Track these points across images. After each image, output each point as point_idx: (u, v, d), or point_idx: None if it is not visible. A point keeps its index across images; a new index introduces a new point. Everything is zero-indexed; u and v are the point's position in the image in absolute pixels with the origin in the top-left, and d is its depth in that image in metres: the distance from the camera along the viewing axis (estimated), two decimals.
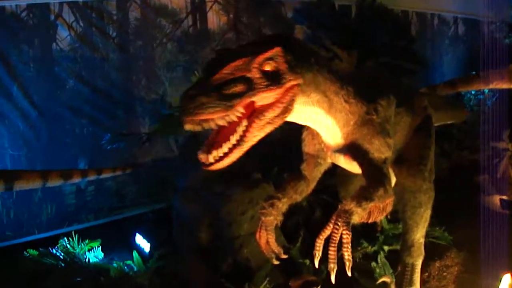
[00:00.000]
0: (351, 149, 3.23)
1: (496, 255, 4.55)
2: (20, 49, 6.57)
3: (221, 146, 2.40)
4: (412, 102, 3.92)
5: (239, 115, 2.40)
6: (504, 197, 6.31)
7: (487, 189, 6.55)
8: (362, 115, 3.16)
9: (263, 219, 3.36)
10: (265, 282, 4.39)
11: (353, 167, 3.38)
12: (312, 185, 3.61)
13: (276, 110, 2.53)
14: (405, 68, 4.21)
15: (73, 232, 5.59)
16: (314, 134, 3.42)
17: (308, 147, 3.54)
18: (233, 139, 2.42)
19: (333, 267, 2.79)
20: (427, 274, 4.69)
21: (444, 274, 4.85)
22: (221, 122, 2.34)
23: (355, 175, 3.81)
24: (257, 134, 2.50)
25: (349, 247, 2.76)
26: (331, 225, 2.80)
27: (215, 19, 7.77)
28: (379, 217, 3.18)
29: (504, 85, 4.34)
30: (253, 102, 2.47)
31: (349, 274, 2.77)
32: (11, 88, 6.41)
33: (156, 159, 7.05)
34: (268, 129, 2.55)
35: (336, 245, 2.75)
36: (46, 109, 6.64)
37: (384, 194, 3.01)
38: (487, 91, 8.40)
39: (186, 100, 2.24)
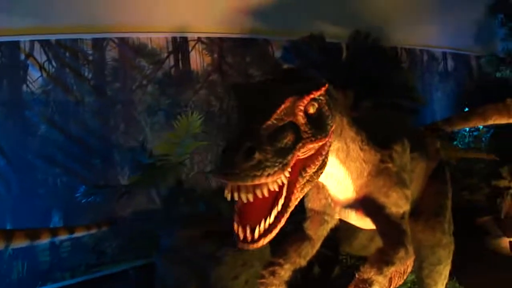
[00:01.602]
0: (365, 204, 2.89)
1: None
2: None
3: (262, 218, 1.92)
4: (425, 145, 3.62)
5: (288, 175, 1.98)
6: None
7: (493, 231, 6.32)
8: (376, 164, 2.84)
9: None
10: None
11: (366, 223, 3.06)
12: (317, 245, 3.25)
13: (317, 164, 2.13)
14: (404, 107, 3.89)
15: None
16: (320, 188, 3.05)
17: (312, 202, 3.16)
18: (279, 204, 1.97)
19: None
20: None
21: None
22: (274, 187, 1.91)
23: (360, 228, 3.44)
24: (299, 195, 2.08)
25: None
26: None
27: (198, 59, 7.36)
28: (400, 282, 2.89)
29: (503, 120, 4.01)
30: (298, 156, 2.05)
31: None
32: None
33: (137, 212, 6.59)
34: (307, 188, 2.15)
35: None
36: (16, 157, 6.19)
37: (405, 255, 2.68)
38: (481, 127, 8.18)
39: (238, 156, 1.77)
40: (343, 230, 3.98)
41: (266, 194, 1.87)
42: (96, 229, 5.64)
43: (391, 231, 2.81)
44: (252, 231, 1.92)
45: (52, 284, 6.18)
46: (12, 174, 6.18)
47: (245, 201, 1.86)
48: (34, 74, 6.29)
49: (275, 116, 1.95)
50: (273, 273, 2.96)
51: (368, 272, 2.54)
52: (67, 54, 6.49)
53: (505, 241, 6.01)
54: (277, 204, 1.97)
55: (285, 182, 1.97)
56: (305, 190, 2.13)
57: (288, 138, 1.95)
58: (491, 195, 6.89)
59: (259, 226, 1.92)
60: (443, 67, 10.75)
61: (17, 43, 6.19)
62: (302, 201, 3.31)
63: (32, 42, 6.25)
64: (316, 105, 2.11)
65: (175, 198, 5.46)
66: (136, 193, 5.90)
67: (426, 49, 10.42)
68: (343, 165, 2.65)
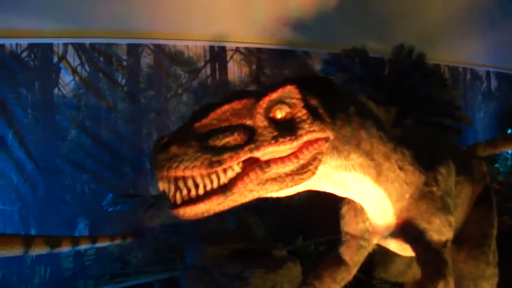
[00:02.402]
0: (405, 229, 2.74)
1: None
2: (18, 93, 6.07)
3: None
4: (471, 168, 3.46)
5: (233, 174, 1.90)
6: None
7: None
8: (420, 187, 2.68)
9: None
10: None
11: (406, 250, 2.90)
12: (354, 271, 3.09)
13: (288, 165, 1.96)
14: (449, 126, 3.75)
15: None
16: (357, 210, 2.91)
17: (349, 226, 3.02)
18: (216, 181, 1.88)
19: None
20: None
21: None
22: (204, 182, 1.85)
23: (397, 254, 3.27)
24: (251, 188, 1.93)
25: None
26: None
27: (236, 69, 7.26)
28: None
29: None
30: (256, 158, 1.94)
31: None
32: (5, 135, 5.93)
33: (165, 224, 6.41)
34: (272, 187, 1.96)
35: None
36: (44, 161, 6.12)
37: None
38: None
39: (156, 150, 1.83)
40: (380, 253, 3.85)
41: (191, 187, 1.83)
42: (121, 240, 5.57)
43: (431, 260, 2.65)
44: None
45: None
46: (39, 178, 6.11)
47: (167, 191, 1.87)
48: (66, 78, 6.24)
49: (212, 115, 1.90)
50: None
51: None
52: (101, 58, 6.43)
53: None
54: (214, 180, 1.87)
55: (225, 181, 1.88)
56: (268, 188, 1.96)
57: (233, 138, 1.87)
58: None
59: (183, 190, 1.85)
60: (486, 86, 10.58)
61: (50, 45, 6.16)
62: (338, 223, 3.15)
63: (65, 45, 6.20)
64: (287, 109, 1.97)
65: None
66: (165, 205, 5.74)
67: (469, 68, 10.20)
68: (377, 184, 2.49)
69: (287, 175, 1.97)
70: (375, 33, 6.83)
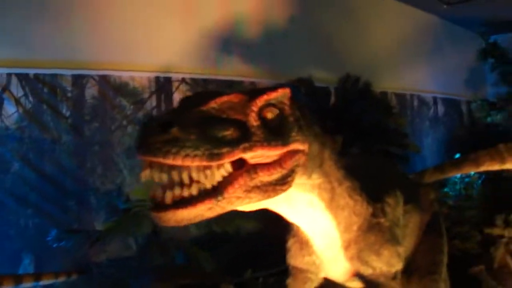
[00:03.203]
0: (353, 262, 2.68)
1: None
2: None
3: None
4: (419, 196, 3.47)
5: (224, 173, 1.79)
6: None
7: (486, 281, 6.11)
8: (368, 218, 2.64)
9: None
10: None
11: (355, 283, 2.88)
12: None
13: (273, 174, 1.91)
14: (396, 154, 3.77)
15: None
16: (303, 243, 2.84)
17: (295, 259, 2.94)
18: (208, 182, 1.75)
19: None
20: None
21: None
22: (198, 176, 1.71)
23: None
24: (240, 195, 1.83)
25: None
26: None
27: None
28: None
29: (496, 166, 3.92)
30: (244, 160, 1.86)
31: None
32: None
33: (111, 259, 6.31)
34: (255, 196, 1.88)
35: None
36: None
37: None
38: (473, 173, 8.17)
39: (153, 128, 1.61)
40: (327, 286, 3.82)
41: (185, 180, 1.69)
42: (66, 277, 5.42)
43: None
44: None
45: None
46: None
47: (157, 181, 1.68)
48: (9, 109, 6.06)
49: (212, 104, 1.79)
50: None
51: None
52: (45, 89, 6.28)
53: None
54: (203, 181, 1.75)
55: (218, 178, 1.77)
56: (252, 196, 1.87)
57: (229, 132, 1.74)
58: (483, 243, 6.74)
59: (174, 191, 1.71)
60: (433, 112, 10.83)
61: None
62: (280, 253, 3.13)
63: (9, 75, 6.04)
64: (277, 111, 1.92)
65: (151, 248, 5.20)
66: (111, 240, 5.64)
67: (416, 94, 10.39)
68: (329, 210, 2.44)
69: (270, 184, 1.91)
70: (321, 63, 6.92)
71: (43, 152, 6.23)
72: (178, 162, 1.60)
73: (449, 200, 7.97)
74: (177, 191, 1.69)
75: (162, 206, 1.71)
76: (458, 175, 8.30)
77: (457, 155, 6.75)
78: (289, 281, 3.02)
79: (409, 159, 4.32)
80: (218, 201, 1.76)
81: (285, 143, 1.92)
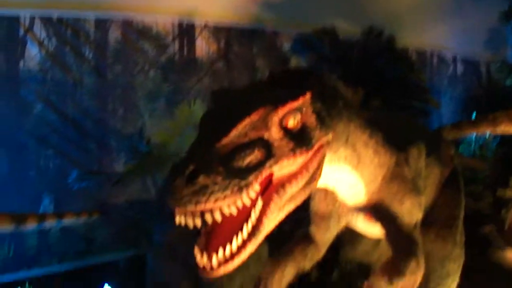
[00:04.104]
0: (376, 210, 2.69)
1: None
2: None
3: (227, 243, 1.69)
4: (440, 151, 3.40)
5: (253, 196, 1.73)
6: None
7: (496, 241, 6.08)
8: (391, 168, 2.62)
9: (265, 279, 2.76)
10: None
11: (374, 231, 2.86)
12: (323, 250, 3.03)
13: (300, 181, 1.88)
14: (416, 108, 3.74)
15: (27, 283, 4.94)
16: (328, 192, 2.79)
17: (318, 206, 2.91)
18: (246, 229, 1.73)
19: None
20: None
21: None
22: (231, 210, 1.66)
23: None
24: (275, 217, 1.85)
25: None
26: None
27: (204, 46, 7.20)
28: None
29: None
30: (271, 174, 1.81)
31: None
32: None
33: (130, 201, 6.36)
34: (289, 208, 1.90)
35: None
36: (7, 136, 6.04)
37: (416, 267, 2.50)
38: (488, 134, 8.07)
39: (179, 180, 1.56)
40: (347, 234, 3.84)
41: (218, 219, 1.66)
42: (87, 216, 5.49)
43: (402, 241, 2.63)
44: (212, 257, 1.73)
45: (39, 269, 5.91)
46: (3, 154, 6.05)
47: (192, 226, 1.66)
48: (32, 51, 6.13)
49: (234, 132, 1.73)
50: (272, 275, 2.77)
51: (377, 282, 2.38)
52: (68, 32, 6.32)
53: (510, 254, 5.78)
54: (244, 228, 1.76)
55: (247, 203, 1.73)
56: (286, 210, 1.91)
57: (254, 156, 1.73)
58: (495, 205, 6.76)
59: (219, 252, 1.71)
60: (452, 71, 10.69)
61: (17, 17, 6.03)
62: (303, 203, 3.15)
63: (32, 17, 6.07)
64: (299, 116, 1.87)
65: None
66: (131, 182, 5.71)
67: (436, 53, 10.28)
68: (355, 170, 2.45)
69: (299, 191, 1.92)
70: (345, 14, 6.83)
71: (65, 94, 6.31)
72: (210, 207, 1.61)
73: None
74: (220, 254, 1.71)
75: (209, 272, 1.72)
76: (473, 135, 8.29)
77: (474, 115, 6.73)
78: (311, 228, 3.00)
79: (429, 113, 4.30)
80: (257, 237, 1.78)
81: (309, 146, 1.90)
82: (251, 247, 1.75)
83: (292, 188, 1.87)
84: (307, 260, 2.92)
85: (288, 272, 2.81)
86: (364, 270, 4.93)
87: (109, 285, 5.10)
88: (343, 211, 2.86)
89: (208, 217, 1.63)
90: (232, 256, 1.71)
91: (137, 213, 6.11)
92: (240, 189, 1.64)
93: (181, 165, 1.61)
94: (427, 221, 3.15)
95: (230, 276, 4.12)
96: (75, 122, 6.32)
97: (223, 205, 1.63)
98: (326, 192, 2.81)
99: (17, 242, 6.08)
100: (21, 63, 6.08)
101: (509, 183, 6.51)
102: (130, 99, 6.70)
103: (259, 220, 1.78)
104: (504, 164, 5.77)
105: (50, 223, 5.14)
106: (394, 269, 2.44)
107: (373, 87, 3.57)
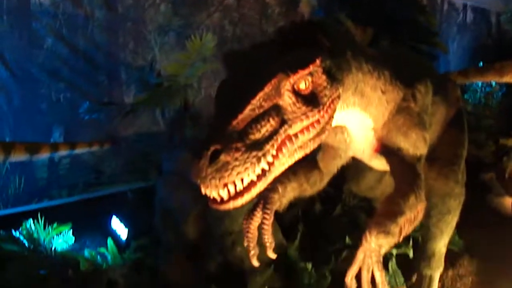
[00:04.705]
0: (382, 142, 2.75)
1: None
2: None
3: (236, 178, 1.81)
4: (447, 90, 3.44)
5: (271, 160, 1.89)
6: None
7: (496, 189, 6.24)
8: (398, 103, 2.68)
9: (266, 193, 2.77)
10: None
11: (380, 163, 2.94)
12: (326, 180, 3.10)
13: (312, 132, 2.00)
14: (424, 51, 3.77)
15: (39, 214, 5.03)
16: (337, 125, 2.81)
17: (327, 136, 2.96)
18: (257, 169, 1.84)
19: None
20: (440, 284, 4.15)
21: (458, 285, 4.45)
22: (251, 177, 1.83)
23: (369, 167, 3.34)
24: (285, 161, 1.98)
25: (385, 286, 2.38)
26: (358, 263, 2.39)
27: None
28: (410, 229, 2.66)
29: None
30: (286, 136, 1.94)
31: None
32: None
33: (140, 133, 6.56)
34: (300, 154, 2.03)
35: (369, 284, 2.36)
36: (20, 69, 6.06)
37: (416, 201, 2.53)
38: (494, 83, 8.13)
39: (203, 161, 1.74)
40: (352, 167, 3.92)
41: (241, 187, 1.81)
42: (98, 146, 5.60)
43: (405, 173, 2.69)
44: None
45: (49, 201, 6.09)
46: (15, 86, 6.08)
47: (218, 199, 1.83)
48: None
49: (249, 107, 1.84)
50: (280, 182, 2.82)
51: (376, 238, 2.38)
52: None
53: (507, 201, 5.94)
54: (256, 168, 1.85)
55: (266, 168, 1.87)
56: (296, 156, 2.01)
57: (269, 125, 1.86)
58: (497, 153, 6.83)
59: (229, 188, 1.82)
60: (462, 19, 10.64)
61: None
62: None
63: None
64: (310, 79, 1.95)
65: (181, 121, 5.33)
66: (141, 114, 5.77)
67: None
68: (364, 111, 2.54)
69: (310, 140, 2.02)
70: None
71: (76, 28, 6.30)
72: (233, 180, 1.76)
73: (468, 107, 8.00)
74: (232, 190, 1.81)
75: (220, 202, 1.84)
76: (480, 83, 8.32)
77: (481, 64, 6.76)
78: (319, 156, 3.07)
79: (437, 57, 4.32)
80: (267, 177, 1.88)
81: (321, 106, 1.99)
82: (260, 186, 1.87)
83: (304, 138, 1.97)
84: (310, 184, 2.99)
85: (289, 190, 2.88)
86: (366, 206, 5.07)
87: (117, 217, 5.25)
88: (352, 141, 2.92)
89: (231, 187, 1.78)
90: (242, 192, 1.83)
91: (146, 145, 6.22)
92: (259, 159, 1.80)
93: (203, 146, 1.75)
94: (431, 158, 3.21)
95: None
96: (86, 55, 6.34)
97: (244, 176, 1.77)
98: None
99: (27, 175, 6.18)
100: None
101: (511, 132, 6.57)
102: (141, 32, 6.68)
103: (271, 163, 1.88)
104: (508, 114, 5.80)
105: (62, 152, 5.24)
106: (392, 211, 2.49)
107: (382, 28, 3.59)
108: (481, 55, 9.60)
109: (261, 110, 1.85)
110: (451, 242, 4.54)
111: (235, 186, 1.81)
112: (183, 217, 4.46)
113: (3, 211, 5.69)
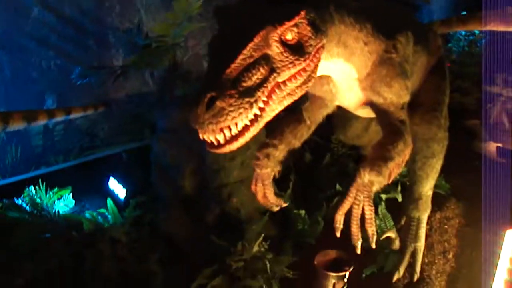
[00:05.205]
0: (366, 91, 2.88)
1: (497, 208, 4.24)
2: None
3: (231, 123, 1.97)
4: (428, 40, 3.54)
5: (262, 106, 2.06)
6: (500, 145, 6.02)
7: (481, 134, 6.29)
8: (380, 54, 2.78)
9: (259, 171, 3.04)
10: (260, 239, 3.93)
11: (365, 111, 3.11)
12: (312, 128, 3.26)
13: (299, 79, 2.16)
14: (407, 2, 3.84)
15: (40, 180, 5.13)
16: (323, 75, 2.96)
17: (313, 87, 2.99)
18: (250, 114, 2.00)
19: (357, 243, 2.56)
20: (428, 227, 4.35)
21: (446, 227, 4.59)
22: (244, 122, 2.01)
23: (355, 117, 3.57)
24: (276, 107, 2.14)
25: (373, 222, 2.54)
26: (350, 199, 2.55)
27: None
28: (398, 171, 2.83)
29: (501, 27, 4.09)
30: (276, 83, 2.11)
31: (374, 246, 2.59)
32: None
33: (130, 95, 6.61)
34: (288, 101, 2.18)
35: (358, 220, 2.54)
36: (8, 40, 6.14)
37: (404, 146, 2.70)
38: (478, 32, 8.16)
39: (200, 108, 1.89)
40: (339, 117, 4.05)
41: (236, 131, 1.98)
42: (93, 110, 5.69)
43: (391, 120, 2.84)
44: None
45: (46, 167, 6.12)
46: (5, 57, 6.15)
47: (216, 143, 1.99)
48: None
49: (240, 57, 1.97)
50: (267, 156, 3.01)
51: (368, 175, 2.56)
52: None
53: (492, 146, 6.01)
54: (249, 113, 2.01)
55: (258, 113, 2.03)
56: (285, 103, 2.16)
57: (259, 73, 2.00)
58: (481, 100, 6.94)
59: (225, 133, 1.98)
60: None
61: None
62: None
63: None
64: (295, 30, 2.09)
65: (172, 79, 5.41)
66: (130, 76, 5.85)
67: None
68: (347, 62, 2.66)
69: (297, 87, 2.16)
70: None
71: None
72: (228, 124, 1.92)
73: (452, 55, 8.08)
74: (228, 134, 1.97)
75: (218, 146, 2.01)
76: (463, 32, 8.36)
77: (464, 13, 6.80)
78: (305, 106, 3.20)
79: (419, 7, 4.34)
80: (259, 122, 2.04)
81: (307, 55, 2.13)
82: (253, 130, 2.04)
83: (292, 85, 2.12)
84: (297, 138, 3.15)
85: (280, 150, 3.06)
86: (354, 154, 5.21)
87: (114, 178, 5.33)
88: (337, 92, 3.05)
89: (227, 132, 1.94)
90: (237, 136, 2.00)
91: (137, 106, 6.29)
92: (251, 105, 1.95)
93: (199, 95, 1.88)
94: (414, 105, 3.33)
95: (232, 155, 4.35)
96: (73, 21, 6.34)
97: (238, 121, 1.93)
98: (321, 75, 3.04)
99: (23, 144, 6.32)
100: None
101: (496, 80, 6.63)
102: None
103: (262, 109, 2.03)
104: (491, 61, 5.86)
105: (59, 118, 5.32)
106: (382, 155, 2.64)
107: None
108: (464, 5, 9.59)
109: (252, 60, 1.98)
110: (438, 186, 4.70)
111: (230, 130, 1.96)
112: (179, 172, 4.58)
113: (3, 180, 5.73)
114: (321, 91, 3.09)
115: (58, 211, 4.85)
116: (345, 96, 3.06)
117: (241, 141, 2.02)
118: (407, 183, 4.17)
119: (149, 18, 6.70)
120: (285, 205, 3.18)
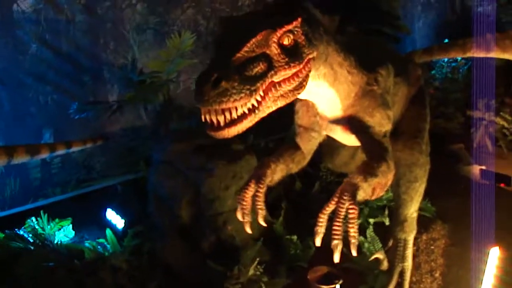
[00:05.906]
0: (351, 122, 3.06)
1: (481, 228, 4.47)
2: None
3: (232, 105, 2.13)
4: (408, 71, 3.74)
5: (260, 98, 2.24)
6: (483, 167, 6.22)
7: (464, 158, 6.53)
8: (363, 86, 3.00)
9: (259, 169, 3.10)
10: (255, 263, 4.11)
11: (350, 139, 3.24)
12: (308, 158, 3.42)
13: (292, 84, 2.38)
14: (388, 34, 4.02)
15: (41, 211, 5.30)
16: (309, 106, 3.22)
17: (302, 119, 3.33)
18: (249, 102, 2.18)
19: (337, 243, 2.52)
20: (415, 248, 4.53)
21: (432, 247, 4.78)
22: (243, 110, 2.18)
23: (343, 146, 3.69)
24: (270, 105, 2.33)
25: (356, 223, 2.54)
26: (336, 200, 2.58)
27: None
28: (381, 193, 2.94)
29: (481, 54, 4.10)
30: (272, 81, 2.31)
31: (354, 253, 2.54)
32: None
33: (125, 128, 6.77)
34: (281, 102, 2.38)
35: (341, 220, 2.53)
36: (7, 76, 6.22)
37: (387, 169, 2.81)
38: (460, 58, 8.33)
39: (207, 85, 2.03)
40: (327, 146, 4.22)
41: (235, 115, 2.14)
42: (92, 143, 5.78)
43: (374, 148, 2.96)
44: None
45: (44, 199, 6.27)
46: (4, 93, 6.23)
47: (216, 123, 2.13)
48: None
49: (245, 49, 2.18)
50: (268, 165, 3.10)
51: (355, 178, 2.62)
52: None
53: (475, 169, 6.23)
54: (248, 104, 2.19)
55: (256, 104, 2.21)
56: (278, 103, 2.35)
57: (259, 67, 2.20)
58: (465, 124, 7.14)
59: (225, 115, 2.14)
60: None
61: None
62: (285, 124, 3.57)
63: None
64: (291, 36, 2.32)
65: (167, 114, 5.59)
66: (125, 110, 5.99)
67: None
68: (332, 87, 2.84)
69: (290, 91, 2.38)
70: None
71: (59, 32, 6.45)
72: (229, 105, 2.07)
73: (435, 82, 8.27)
74: (227, 117, 2.13)
75: (217, 128, 2.15)
76: (446, 59, 8.55)
77: (446, 41, 6.98)
78: (297, 138, 3.37)
79: (400, 39, 4.48)
80: (256, 114, 2.22)
81: (300, 60, 2.35)
82: (250, 120, 2.22)
83: (285, 87, 2.34)
84: (294, 163, 3.29)
85: (278, 170, 3.16)
86: (342, 181, 5.36)
87: (111, 209, 5.47)
88: (324, 123, 3.25)
89: (227, 114, 2.11)
90: (235, 122, 2.16)
91: (131, 139, 6.42)
92: (251, 93, 2.12)
93: (206, 74, 2.05)
94: (396, 133, 3.55)
95: (226, 185, 4.53)
96: (70, 58, 6.51)
97: (238, 105, 2.10)
98: (308, 106, 3.21)
99: (22, 177, 6.37)
100: (15, 6, 6.16)
101: (478, 105, 6.81)
102: (120, 32, 6.85)
103: (259, 102, 2.23)
104: (474, 87, 6.03)
105: (60, 151, 5.44)
106: (368, 170, 2.72)
107: (347, 14, 3.78)
108: (446, 32, 9.77)
109: (253, 54, 2.20)
110: (423, 209, 4.91)
111: (231, 114, 2.13)
112: (175, 202, 4.74)
113: (4, 212, 5.86)
114: (309, 123, 3.29)
115: (60, 241, 4.98)
116: (332, 127, 3.24)
117: (239, 127, 2.18)
118: (393, 207, 4.27)
119: (142, 53, 6.90)
120: (263, 224, 3.10)
